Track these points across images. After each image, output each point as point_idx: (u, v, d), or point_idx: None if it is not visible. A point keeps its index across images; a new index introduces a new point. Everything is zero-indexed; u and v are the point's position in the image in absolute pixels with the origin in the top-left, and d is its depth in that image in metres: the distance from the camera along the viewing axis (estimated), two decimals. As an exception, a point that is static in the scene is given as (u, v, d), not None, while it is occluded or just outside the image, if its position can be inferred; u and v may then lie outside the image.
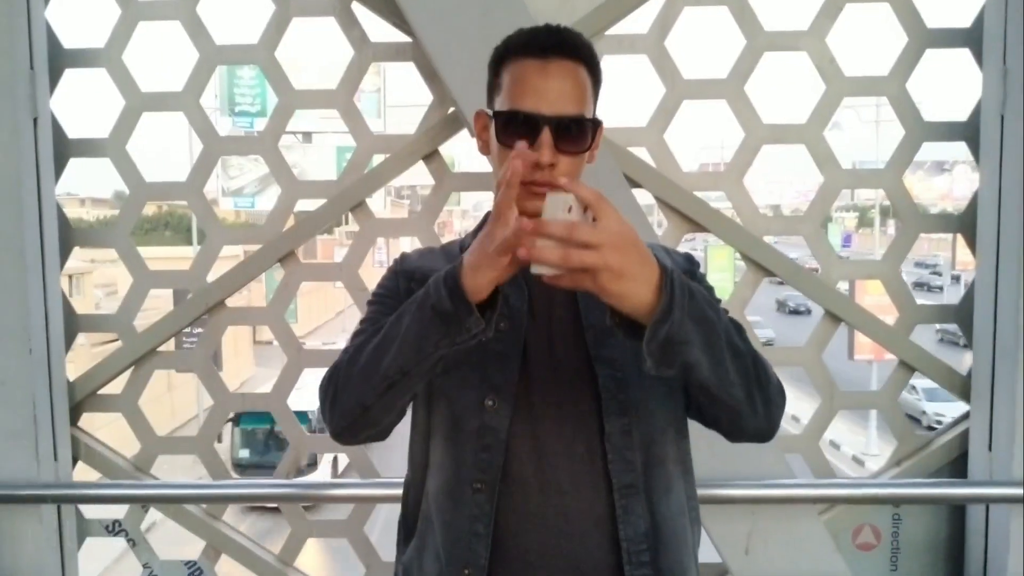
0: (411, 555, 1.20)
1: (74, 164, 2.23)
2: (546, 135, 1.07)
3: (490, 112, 1.16)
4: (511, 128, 1.09)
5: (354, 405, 1.08)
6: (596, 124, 1.13)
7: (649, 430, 1.14)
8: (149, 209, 32.15)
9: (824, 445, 2.19)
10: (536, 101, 1.08)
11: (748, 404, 1.06)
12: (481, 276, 0.98)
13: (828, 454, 2.22)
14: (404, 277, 1.22)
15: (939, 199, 25.55)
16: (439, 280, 1.01)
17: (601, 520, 1.12)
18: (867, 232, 36.16)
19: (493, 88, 1.16)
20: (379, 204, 23.08)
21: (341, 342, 2.16)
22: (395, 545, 1.28)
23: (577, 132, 1.09)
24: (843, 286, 2.39)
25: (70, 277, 17.18)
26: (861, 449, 16.20)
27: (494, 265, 0.97)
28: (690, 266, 1.26)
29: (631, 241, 0.92)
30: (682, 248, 1.53)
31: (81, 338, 2.67)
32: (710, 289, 1.24)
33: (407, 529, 1.24)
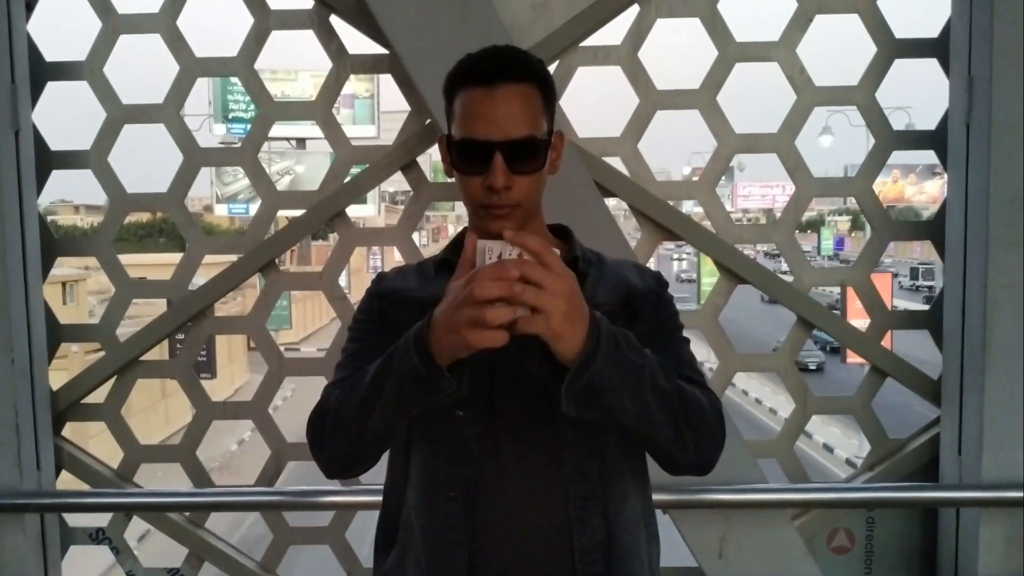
0: (392, 564, 1.22)
1: (70, 171, 2.25)
2: (498, 160, 1.09)
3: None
4: (465, 156, 1.13)
5: (346, 452, 1.15)
6: (548, 141, 1.15)
7: (606, 442, 1.17)
8: (143, 216, 32.07)
9: (817, 448, 2.21)
10: (486, 128, 1.10)
11: (677, 442, 1.09)
12: (454, 346, 0.99)
13: (822, 457, 2.26)
14: (378, 299, 1.25)
15: (930, 203, 25.63)
16: (410, 344, 1.03)
17: (561, 529, 1.14)
18: (860, 236, 36.25)
19: (448, 115, 1.18)
20: (372, 210, 23.07)
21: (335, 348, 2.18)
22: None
23: (529, 152, 1.12)
24: (835, 290, 2.43)
25: (64, 284, 17.08)
26: (855, 452, 16.20)
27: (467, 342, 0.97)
28: (659, 286, 1.27)
29: (576, 286, 0.96)
30: (673, 253, 1.54)
31: (75, 346, 2.68)
32: (675, 314, 1.26)
33: (387, 537, 1.25)
